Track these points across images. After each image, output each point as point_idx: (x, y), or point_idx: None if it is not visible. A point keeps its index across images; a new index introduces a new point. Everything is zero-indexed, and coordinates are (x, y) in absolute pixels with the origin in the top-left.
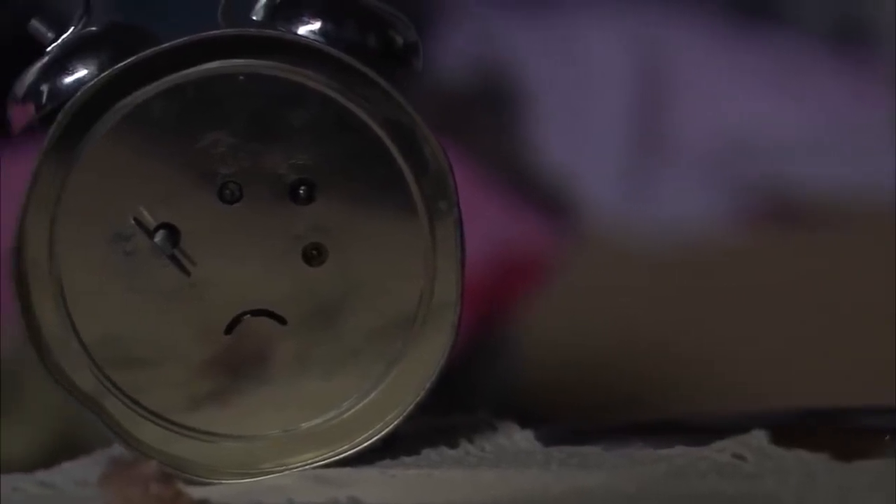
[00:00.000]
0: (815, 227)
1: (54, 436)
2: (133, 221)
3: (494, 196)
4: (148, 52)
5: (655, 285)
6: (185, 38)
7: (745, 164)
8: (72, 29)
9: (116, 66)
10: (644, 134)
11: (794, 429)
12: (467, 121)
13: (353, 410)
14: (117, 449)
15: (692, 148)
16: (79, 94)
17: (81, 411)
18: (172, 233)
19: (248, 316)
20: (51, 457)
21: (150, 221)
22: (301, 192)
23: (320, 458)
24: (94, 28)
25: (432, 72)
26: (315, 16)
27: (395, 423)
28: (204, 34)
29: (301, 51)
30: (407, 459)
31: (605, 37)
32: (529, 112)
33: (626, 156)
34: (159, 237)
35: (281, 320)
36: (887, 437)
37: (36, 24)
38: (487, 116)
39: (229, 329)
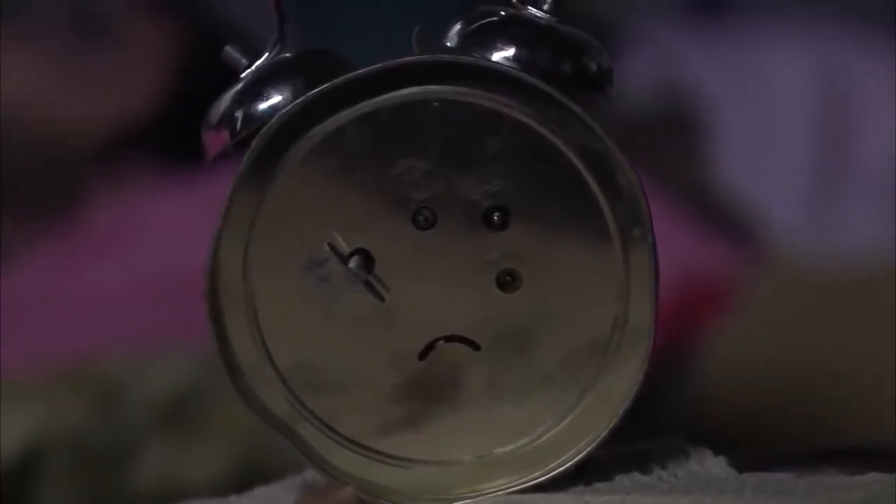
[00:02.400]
0: None
1: (241, 460)
2: (327, 247)
3: (678, 221)
4: (343, 78)
5: (841, 310)
6: (380, 65)
7: None
8: (266, 55)
9: (311, 93)
10: (827, 158)
11: None
12: (651, 145)
13: (546, 437)
14: (310, 474)
15: (875, 172)
16: (273, 120)
17: (273, 436)
18: (366, 259)
19: (442, 342)
20: (239, 481)
21: (345, 247)
22: (495, 218)
23: (514, 483)
24: (288, 54)
25: (616, 96)
26: (509, 42)
27: (589, 449)
28: (399, 60)
29: (496, 77)
30: (600, 485)
31: (787, 60)
32: (713, 137)
33: (809, 180)
34: (354, 263)
35: (475, 346)
36: None
37: (230, 50)
38: (671, 141)
39: (423, 354)
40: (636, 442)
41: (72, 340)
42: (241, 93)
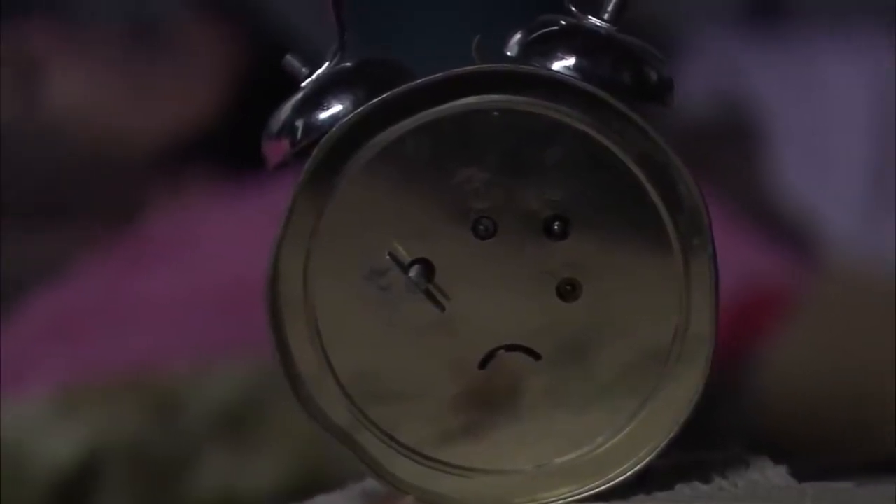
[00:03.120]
0: None
1: (301, 469)
2: (388, 256)
3: (736, 229)
4: (403, 87)
5: None
6: (441, 74)
7: None
8: (326, 64)
9: (371, 102)
10: (884, 165)
11: None
12: (709, 154)
13: (606, 446)
14: (370, 483)
15: None
16: (334, 129)
17: (334, 446)
18: (427, 268)
19: (502, 351)
20: (298, 490)
21: (405, 256)
22: (555, 227)
23: (574, 492)
24: (348, 63)
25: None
26: (569, 51)
27: (649, 458)
28: (459, 70)
29: (556, 87)
30: (660, 494)
31: (845, 69)
32: (770, 145)
33: (866, 188)
34: (414, 272)
35: (535, 355)
36: None
37: (291, 59)
38: (729, 150)
39: (483, 364)
40: (695, 451)
41: (132, 349)
42: (302, 102)
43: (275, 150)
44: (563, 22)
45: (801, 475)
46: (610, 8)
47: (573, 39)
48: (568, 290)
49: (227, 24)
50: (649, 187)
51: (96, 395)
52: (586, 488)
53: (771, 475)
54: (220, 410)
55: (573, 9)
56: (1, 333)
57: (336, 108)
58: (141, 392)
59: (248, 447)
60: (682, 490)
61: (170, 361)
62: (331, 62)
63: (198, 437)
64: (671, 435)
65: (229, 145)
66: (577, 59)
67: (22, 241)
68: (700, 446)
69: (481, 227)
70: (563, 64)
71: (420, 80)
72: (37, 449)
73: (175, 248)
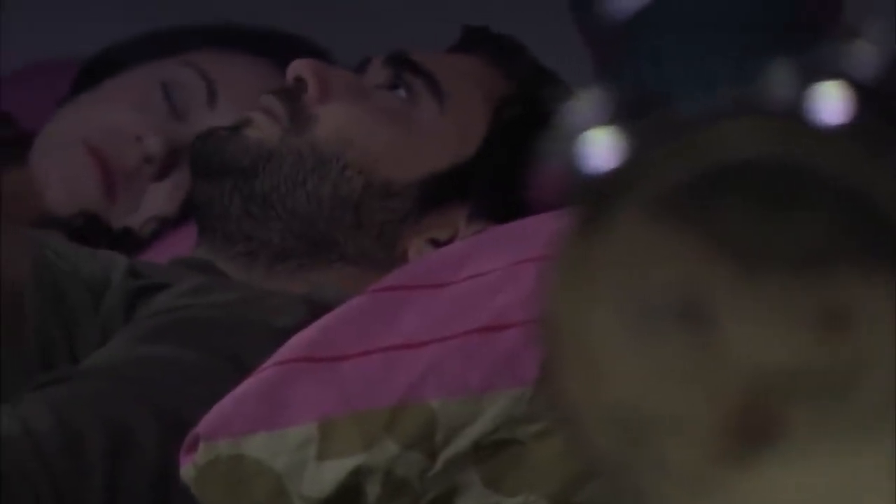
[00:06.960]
0: None
1: (563, 500)
2: (657, 293)
3: None
4: (675, 132)
5: None
6: (707, 118)
7: None
8: (587, 98)
9: (648, 147)
10: None
11: None
12: None
13: (870, 480)
14: None
15: None
16: (608, 168)
17: (598, 476)
18: (695, 304)
19: (767, 385)
20: None
21: (674, 293)
22: (817, 265)
23: None
24: (610, 97)
25: None
26: (836, 99)
27: None
28: (725, 116)
29: (811, 136)
30: None
31: None
32: None
33: None
34: (682, 308)
35: (798, 390)
36: None
37: (554, 93)
38: None
39: (748, 397)
40: None
41: (393, 382)
42: (569, 137)
43: (543, 186)
44: (828, 71)
45: None
46: (879, 52)
47: (839, 88)
48: (833, 325)
49: (486, 61)
50: None
51: (357, 429)
52: None
53: None
54: (484, 442)
55: (844, 34)
56: (263, 368)
57: (611, 147)
58: (401, 426)
59: (512, 478)
60: None
61: (430, 395)
62: (591, 96)
63: (456, 472)
64: None
65: (491, 182)
66: (842, 107)
67: (283, 280)
68: None
69: (747, 264)
70: (828, 110)
71: (685, 122)
72: (298, 481)
73: (438, 285)
